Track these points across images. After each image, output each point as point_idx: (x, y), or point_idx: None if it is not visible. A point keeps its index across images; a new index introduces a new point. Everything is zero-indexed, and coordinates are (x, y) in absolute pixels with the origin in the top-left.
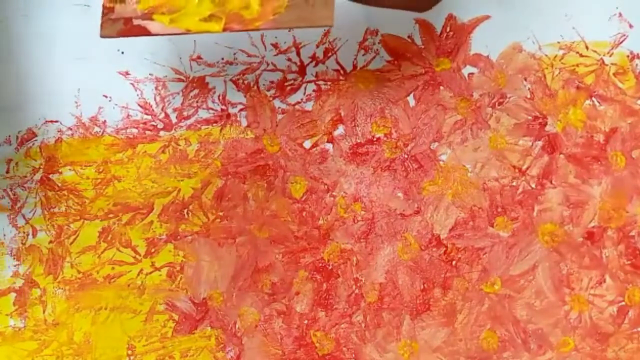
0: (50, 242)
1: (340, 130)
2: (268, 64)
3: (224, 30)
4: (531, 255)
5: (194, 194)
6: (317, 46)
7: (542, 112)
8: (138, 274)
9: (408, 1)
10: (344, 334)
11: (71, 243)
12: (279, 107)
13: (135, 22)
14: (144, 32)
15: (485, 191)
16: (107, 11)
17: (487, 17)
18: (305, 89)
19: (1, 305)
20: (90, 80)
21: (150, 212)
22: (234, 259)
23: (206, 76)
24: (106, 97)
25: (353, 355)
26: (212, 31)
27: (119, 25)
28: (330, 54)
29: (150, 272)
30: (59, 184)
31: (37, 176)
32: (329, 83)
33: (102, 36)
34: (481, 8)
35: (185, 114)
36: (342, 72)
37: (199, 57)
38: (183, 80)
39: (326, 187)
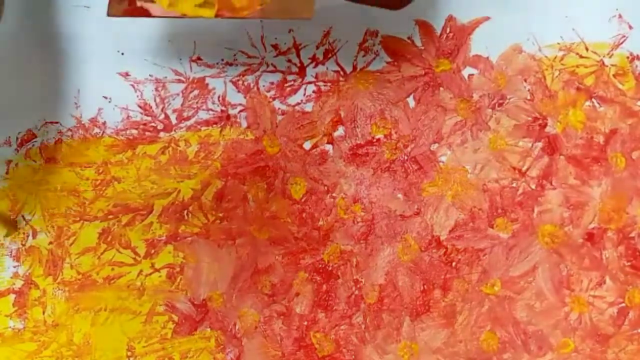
0: (50, 243)
1: (340, 131)
2: (268, 65)
3: (216, 16)
4: (531, 256)
5: (193, 195)
6: (317, 47)
7: (542, 113)
8: (138, 275)
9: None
10: (343, 335)
11: (71, 244)
12: (278, 108)
13: (139, 3)
14: (146, 13)
15: (485, 192)
16: None
17: (487, 19)
18: (305, 90)
19: (1, 306)
20: (90, 81)
21: (150, 213)
22: (234, 260)
23: (206, 77)
24: (106, 98)
25: (353, 357)
26: (205, 16)
27: (124, 5)
28: (330, 55)
29: (150, 274)
30: (59, 185)
31: (37, 177)
32: (328, 84)
33: (108, 15)
34: (481, 9)
35: (185, 115)
36: (342, 73)
37: (199, 58)
38: (183, 81)
39: (326, 188)
